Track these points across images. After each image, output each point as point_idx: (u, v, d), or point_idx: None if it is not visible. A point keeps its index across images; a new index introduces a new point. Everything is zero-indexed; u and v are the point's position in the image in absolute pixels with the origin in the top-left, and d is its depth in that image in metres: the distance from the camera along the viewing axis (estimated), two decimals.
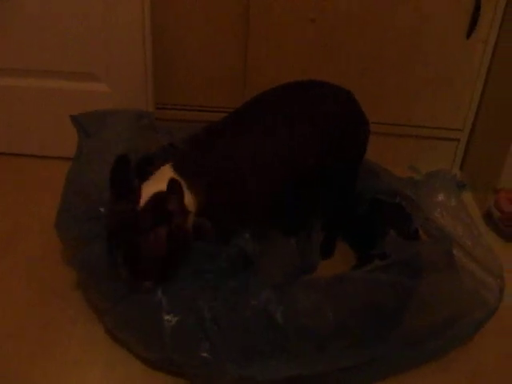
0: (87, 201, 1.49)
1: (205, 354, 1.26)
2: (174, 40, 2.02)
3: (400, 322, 1.36)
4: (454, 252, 1.50)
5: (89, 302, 1.55)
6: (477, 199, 2.08)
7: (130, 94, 1.98)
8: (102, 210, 1.45)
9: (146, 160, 1.55)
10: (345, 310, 1.33)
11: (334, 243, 1.78)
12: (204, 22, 1.99)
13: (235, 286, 1.33)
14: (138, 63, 1.93)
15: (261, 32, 1.97)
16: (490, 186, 2.00)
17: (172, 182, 1.26)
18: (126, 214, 1.29)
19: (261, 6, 1.93)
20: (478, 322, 1.45)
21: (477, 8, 1.91)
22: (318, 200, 1.72)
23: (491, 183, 1.98)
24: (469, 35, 1.94)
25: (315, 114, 1.53)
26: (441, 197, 1.63)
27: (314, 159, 1.52)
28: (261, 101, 1.57)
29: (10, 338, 1.47)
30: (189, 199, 1.33)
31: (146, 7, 1.85)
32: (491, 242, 1.57)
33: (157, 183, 1.32)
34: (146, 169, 1.42)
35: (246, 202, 1.44)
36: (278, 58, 2.02)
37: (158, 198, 1.29)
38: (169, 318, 1.27)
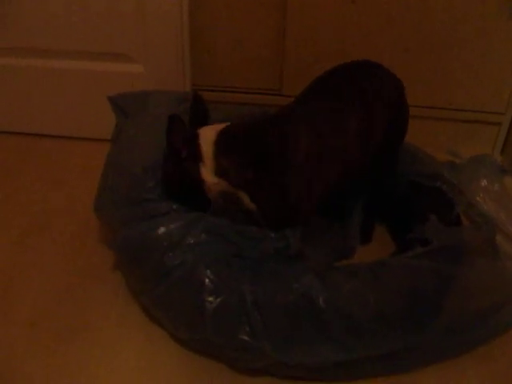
0: (128, 183, 1.47)
1: (245, 337, 1.24)
2: (211, 20, 1.98)
3: (441, 310, 1.33)
4: (497, 238, 1.47)
5: (127, 283, 1.54)
6: None
7: (165, 75, 1.96)
8: (144, 193, 1.44)
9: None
10: (386, 296, 1.31)
11: (372, 227, 1.75)
12: (242, 6, 1.95)
13: (278, 269, 1.31)
14: (174, 43, 1.90)
15: (299, 13, 1.93)
16: None
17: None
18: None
19: None
20: None
21: None
22: (360, 183, 1.70)
23: None
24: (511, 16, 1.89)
25: (381, 95, 1.52)
26: (483, 182, 1.61)
27: (378, 141, 1.51)
28: (324, 86, 1.53)
29: (48, 317, 1.47)
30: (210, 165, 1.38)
31: None
32: None
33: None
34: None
35: (289, 192, 1.39)
36: (317, 40, 1.98)
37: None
38: (211, 300, 1.26)
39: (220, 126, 1.41)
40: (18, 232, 1.72)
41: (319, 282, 1.28)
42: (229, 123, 1.42)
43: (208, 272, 1.28)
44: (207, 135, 1.39)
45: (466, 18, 1.92)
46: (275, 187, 1.36)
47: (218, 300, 1.26)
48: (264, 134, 1.39)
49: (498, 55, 1.98)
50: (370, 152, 1.51)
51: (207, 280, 1.27)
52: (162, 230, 1.36)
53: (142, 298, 1.45)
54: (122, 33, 1.90)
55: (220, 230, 1.35)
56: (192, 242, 1.32)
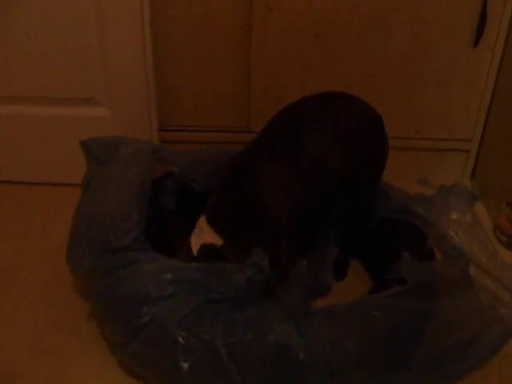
0: (100, 232, 1.45)
1: None
2: (176, 61, 1.97)
3: (421, 345, 1.34)
4: (471, 270, 1.46)
5: (102, 333, 1.51)
6: (489, 210, 2.04)
7: (132, 118, 1.95)
8: (114, 243, 1.42)
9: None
10: (365, 340, 1.30)
11: (347, 264, 1.74)
12: (205, 43, 1.94)
13: (252, 315, 1.29)
14: (140, 86, 1.89)
15: (264, 49, 1.93)
16: (502, 195, 1.95)
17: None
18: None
19: (263, 26, 1.89)
20: (497, 342, 1.39)
21: (483, 15, 1.87)
22: (332, 219, 1.70)
23: (504, 194, 1.94)
24: (476, 43, 1.90)
25: (342, 132, 1.51)
26: (454, 214, 1.59)
27: (339, 177, 1.51)
28: (286, 119, 1.53)
29: (21, 370, 1.44)
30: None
31: (146, 28, 1.81)
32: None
33: (199, 236, 1.44)
34: None
35: (274, 237, 1.43)
36: (283, 75, 1.98)
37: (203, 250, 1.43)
38: (185, 358, 1.23)
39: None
40: None
41: (296, 330, 1.25)
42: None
43: (179, 330, 1.25)
44: None
45: (430, 44, 1.94)
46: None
47: (192, 358, 1.23)
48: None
49: (464, 82, 2.00)
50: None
51: (180, 338, 1.24)
52: (132, 282, 1.34)
53: (117, 353, 1.42)
54: (86, 77, 1.89)
55: (189, 276, 1.33)
56: (161, 295, 1.29)
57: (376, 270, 1.70)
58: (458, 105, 2.04)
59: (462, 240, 1.56)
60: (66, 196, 1.92)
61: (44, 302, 1.62)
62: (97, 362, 1.46)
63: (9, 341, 1.52)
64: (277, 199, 1.43)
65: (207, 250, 1.41)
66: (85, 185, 1.62)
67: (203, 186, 1.69)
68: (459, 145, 2.12)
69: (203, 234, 1.43)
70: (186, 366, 1.23)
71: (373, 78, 2.00)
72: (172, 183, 1.69)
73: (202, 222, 1.45)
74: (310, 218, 1.62)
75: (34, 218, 1.95)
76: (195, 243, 1.44)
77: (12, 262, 1.76)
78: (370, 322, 1.32)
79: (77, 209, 1.58)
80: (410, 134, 2.10)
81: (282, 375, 1.26)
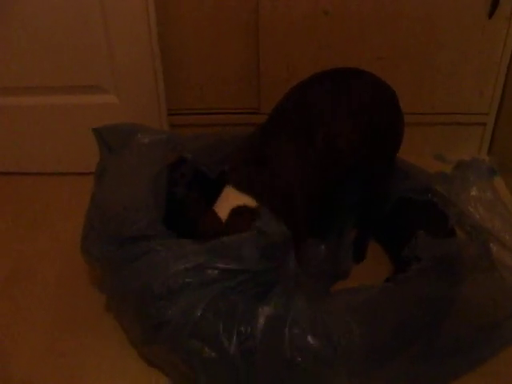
0: (115, 223, 1.41)
1: None
2: (184, 44, 1.93)
3: (441, 330, 1.30)
4: (493, 248, 1.43)
5: (121, 328, 1.49)
6: (507, 184, 1.99)
7: (140, 104, 1.92)
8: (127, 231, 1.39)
9: None
10: (382, 328, 1.28)
11: (366, 245, 1.71)
12: (214, 22, 1.90)
13: (271, 316, 1.24)
14: (147, 71, 1.86)
15: (272, 28, 1.88)
16: None
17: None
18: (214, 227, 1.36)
19: (270, 2, 1.84)
20: None
21: None
22: (349, 200, 1.67)
23: None
24: (491, 14, 1.85)
25: (354, 107, 1.47)
26: (475, 190, 1.56)
27: (352, 155, 1.48)
28: (300, 95, 1.50)
29: (36, 374, 1.41)
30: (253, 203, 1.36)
31: (151, 13, 1.77)
32: None
33: (228, 201, 1.38)
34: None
35: (294, 216, 1.40)
36: (291, 55, 1.94)
37: (236, 213, 1.36)
38: (207, 350, 1.21)
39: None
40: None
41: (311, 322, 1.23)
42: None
43: (193, 339, 1.23)
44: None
45: (442, 19, 1.88)
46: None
47: (212, 353, 1.22)
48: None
49: (478, 55, 1.94)
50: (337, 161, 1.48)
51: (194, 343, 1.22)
52: (144, 277, 1.30)
53: (138, 347, 1.40)
54: (92, 65, 1.85)
55: (200, 263, 1.28)
56: (172, 291, 1.26)
57: (396, 251, 1.66)
58: (473, 78, 1.99)
59: (483, 217, 1.53)
60: (76, 185, 1.90)
61: (58, 299, 1.61)
62: (116, 358, 1.44)
63: (22, 343, 1.50)
64: (292, 177, 1.40)
65: (241, 211, 1.34)
66: (98, 174, 1.59)
67: (216, 172, 1.66)
68: (475, 118, 2.07)
69: (231, 200, 1.37)
70: (202, 359, 1.21)
71: (385, 56, 1.95)
72: (186, 170, 1.64)
73: (228, 189, 1.39)
74: (327, 199, 1.60)
75: (45, 208, 1.92)
76: (223, 209, 1.36)
77: (25, 257, 1.74)
78: (382, 314, 1.30)
79: (91, 198, 1.55)
80: (425, 109, 2.05)
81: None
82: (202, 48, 1.94)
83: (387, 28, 1.90)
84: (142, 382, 1.39)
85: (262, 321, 1.21)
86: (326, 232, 1.66)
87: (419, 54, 1.95)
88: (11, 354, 1.46)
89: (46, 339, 1.49)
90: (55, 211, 1.90)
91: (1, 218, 1.90)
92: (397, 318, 1.29)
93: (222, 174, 1.65)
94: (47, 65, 1.85)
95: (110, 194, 1.51)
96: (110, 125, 1.61)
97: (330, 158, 1.44)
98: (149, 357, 1.40)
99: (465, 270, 1.37)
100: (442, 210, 1.55)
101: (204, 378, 1.24)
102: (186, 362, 1.25)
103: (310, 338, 1.21)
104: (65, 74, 1.88)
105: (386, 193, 1.64)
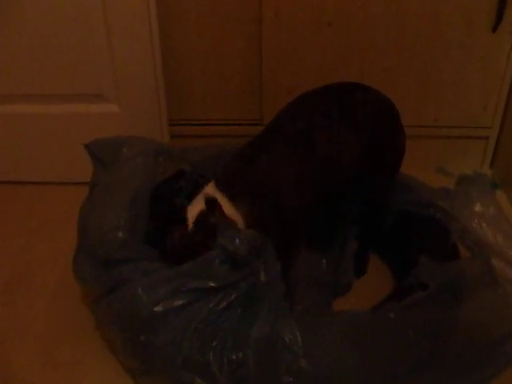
0: (95, 244, 1.40)
1: None
2: (186, 54, 1.92)
3: (446, 351, 1.28)
4: (496, 264, 1.41)
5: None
6: (509, 198, 1.98)
7: (141, 113, 1.91)
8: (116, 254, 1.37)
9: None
10: (375, 359, 1.25)
11: (367, 259, 1.70)
12: (216, 32, 1.89)
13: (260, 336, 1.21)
14: (148, 81, 1.85)
15: (275, 39, 1.88)
16: None
17: (207, 201, 1.31)
18: (179, 236, 1.34)
19: (274, 13, 1.83)
20: None
21: None
22: (351, 213, 1.65)
23: None
24: (495, 28, 1.84)
25: (356, 121, 1.46)
26: (478, 206, 1.54)
27: (353, 168, 1.47)
28: (300, 107, 1.49)
29: (34, 373, 1.42)
30: (233, 213, 1.33)
31: (152, 21, 1.76)
32: None
33: (199, 201, 1.35)
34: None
35: (284, 217, 1.39)
36: (294, 66, 1.93)
37: (202, 217, 1.33)
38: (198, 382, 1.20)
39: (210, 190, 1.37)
40: None
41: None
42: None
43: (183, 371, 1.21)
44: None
45: (447, 33, 1.87)
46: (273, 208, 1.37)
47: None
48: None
49: (482, 68, 1.94)
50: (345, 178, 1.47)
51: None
52: (126, 306, 1.27)
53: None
54: (94, 73, 1.85)
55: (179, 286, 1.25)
56: (156, 320, 1.23)
57: (398, 266, 1.66)
58: (476, 91, 1.98)
59: (486, 233, 1.51)
60: (77, 195, 1.86)
61: (56, 307, 1.60)
62: (105, 369, 1.43)
63: (20, 353, 1.49)
64: (289, 191, 1.39)
65: (205, 222, 1.31)
66: (90, 189, 1.58)
67: None
68: (478, 132, 2.06)
69: (200, 201, 1.34)
70: None
71: (389, 68, 1.94)
72: (185, 182, 1.63)
73: (207, 187, 1.38)
74: (329, 210, 1.59)
75: (45, 217, 1.92)
76: (193, 212, 1.34)
77: (22, 266, 1.74)
78: (385, 339, 1.27)
79: (79, 215, 1.53)
80: (428, 122, 2.04)
81: None
82: (204, 58, 1.93)
83: (392, 40, 1.89)
84: None
85: (252, 346, 1.19)
86: (327, 244, 1.65)
87: (423, 67, 1.94)
88: (7, 360, 1.46)
89: (42, 348, 1.49)
90: (55, 220, 1.89)
91: (1, 225, 1.89)
92: (395, 347, 1.26)
93: None
94: (48, 73, 1.85)
95: (92, 212, 1.49)
96: (101, 139, 1.60)
97: (329, 169, 1.43)
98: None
99: (467, 289, 1.35)
100: (444, 225, 1.54)
101: None
102: None
103: (303, 363, 1.18)
104: (66, 82, 1.87)
105: (386, 206, 1.63)
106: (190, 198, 1.59)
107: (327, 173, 1.43)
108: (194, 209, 1.34)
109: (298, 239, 1.47)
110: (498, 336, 1.31)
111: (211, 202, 1.31)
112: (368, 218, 1.65)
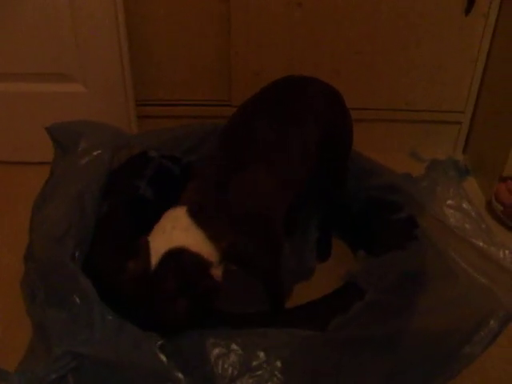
0: (49, 254, 1.29)
1: None
2: (152, 31, 1.88)
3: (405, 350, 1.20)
4: (462, 252, 1.38)
5: None
6: (481, 185, 1.96)
7: (108, 93, 1.87)
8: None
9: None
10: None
11: (330, 244, 1.68)
12: (184, 11, 1.85)
13: None
14: (114, 60, 1.81)
15: (244, 20, 1.84)
16: (495, 170, 1.87)
17: (185, 256, 1.10)
18: (139, 277, 1.11)
19: None
20: (498, 329, 1.23)
21: None
22: (311, 198, 1.62)
23: (497, 169, 1.86)
24: (468, 11, 1.81)
25: (317, 113, 1.43)
26: (444, 192, 1.52)
27: (317, 154, 1.41)
28: (255, 107, 1.41)
29: None
30: (210, 249, 1.14)
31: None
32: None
33: (169, 234, 1.13)
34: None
35: (271, 229, 1.30)
36: (264, 47, 1.89)
37: (173, 259, 1.10)
38: None
39: (176, 224, 1.15)
40: None
41: None
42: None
43: None
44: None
45: (419, 16, 1.84)
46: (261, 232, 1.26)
47: None
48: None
49: (455, 52, 1.91)
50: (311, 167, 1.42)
51: None
52: None
53: None
54: (58, 52, 1.80)
55: None
56: None
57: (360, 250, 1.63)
58: (449, 75, 1.95)
59: (452, 220, 1.49)
60: (42, 175, 1.84)
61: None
62: None
63: None
64: (273, 203, 1.30)
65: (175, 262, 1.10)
66: (49, 176, 1.54)
67: (179, 167, 1.61)
68: (451, 117, 2.04)
69: (175, 232, 1.13)
70: None
71: (360, 51, 1.91)
72: (147, 165, 1.58)
73: (176, 212, 1.16)
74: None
75: (9, 197, 1.89)
76: (158, 247, 1.11)
77: None
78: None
79: (33, 208, 1.47)
80: (400, 105, 2.01)
81: None
82: (172, 38, 1.89)
83: (364, 22, 1.86)
84: None
85: None
86: (289, 229, 1.62)
87: (395, 50, 1.91)
88: None
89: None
90: (19, 200, 1.85)
91: None
92: (338, 370, 1.15)
93: (186, 169, 1.60)
94: (12, 51, 1.81)
95: (38, 211, 1.43)
96: (62, 123, 1.55)
97: (305, 163, 1.39)
98: None
99: (423, 281, 1.30)
100: (408, 211, 1.51)
101: None
102: None
103: None
104: (31, 60, 1.83)
105: (344, 183, 1.60)
106: (153, 182, 1.57)
107: (304, 168, 1.39)
108: (160, 243, 1.12)
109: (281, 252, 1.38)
110: (456, 341, 1.22)
111: (188, 257, 1.11)
112: (328, 199, 1.62)
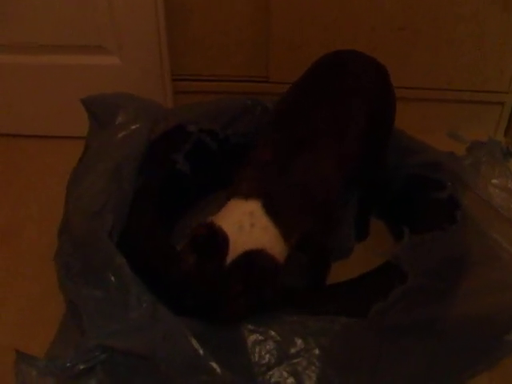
0: (85, 232, 1.28)
1: None
2: (190, 7, 1.84)
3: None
4: (507, 234, 1.34)
5: None
6: None
7: (143, 67, 1.85)
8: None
9: None
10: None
11: (368, 223, 1.64)
12: None
13: None
14: (151, 33, 1.79)
15: None
16: None
17: (262, 259, 1.08)
18: (207, 271, 1.06)
19: None
20: None
21: None
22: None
23: None
24: None
25: (361, 91, 1.40)
26: (489, 171, 1.48)
27: (366, 138, 1.38)
28: (308, 84, 1.41)
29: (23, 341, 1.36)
30: (282, 249, 1.13)
31: None
32: None
33: (249, 233, 1.09)
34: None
35: (332, 213, 1.29)
36: (303, 22, 1.84)
37: (250, 261, 1.07)
38: None
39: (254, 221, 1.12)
40: None
41: None
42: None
43: None
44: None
45: None
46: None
47: None
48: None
49: (499, 30, 1.84)
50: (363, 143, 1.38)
51: None
52: None
53: None
54: (94, 24, 1.78)
55: None
56: None
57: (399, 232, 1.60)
58: (493, 55, 1.89)
59: (496, 198, 1.45)
60: (75, 149, 1.83)
61: (43, 263, 1.50)
62: None
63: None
64: (334, 188, 1.28)
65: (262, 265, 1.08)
66: (84, 150, 1.52)
67: (220, 138, 1.59)
68: (493, 97, 1.97)
69: (255, 231, 1.09)
70: None
71: (401, 27, 1.85)
72: (185, 139, 1.56)
73: (254, 206, 1.12)
74: None
75: (41, 172, 1.87)
76: (235, 243, 1.06)
77: (16, 217, 1.71)
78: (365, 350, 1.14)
79: (68, 184, 1.46)
80: (441, 85, 1.95)
81: None
82: (209, 11, 1.86)
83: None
84: None
85: None
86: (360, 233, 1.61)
87: (437, 27, 1.85)
88: None
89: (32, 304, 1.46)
90: (52, 175, 1.84)
91: None
92: (378, 357, 1.13)
93: (223, 144, 1.58)
94: (47, 22, 1.79)
95: (74, 185, 1.41)
96: (98, 95, 1.53)
97: (358, 138, 1.36)
98: None
99: (465, 264, 1.26)
100: (451, 190, 1.46)
101: None
102: None
103: None
104: (66, 32, 1.81)
105: (385, 164, 1.56)
106: (190, 156, 1.55)
107: (355, 143, 1.35)
108: (238, 241, 1.07)
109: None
110: (499, 328, 1.20)
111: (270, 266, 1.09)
112: (368, 179, 1.57)
